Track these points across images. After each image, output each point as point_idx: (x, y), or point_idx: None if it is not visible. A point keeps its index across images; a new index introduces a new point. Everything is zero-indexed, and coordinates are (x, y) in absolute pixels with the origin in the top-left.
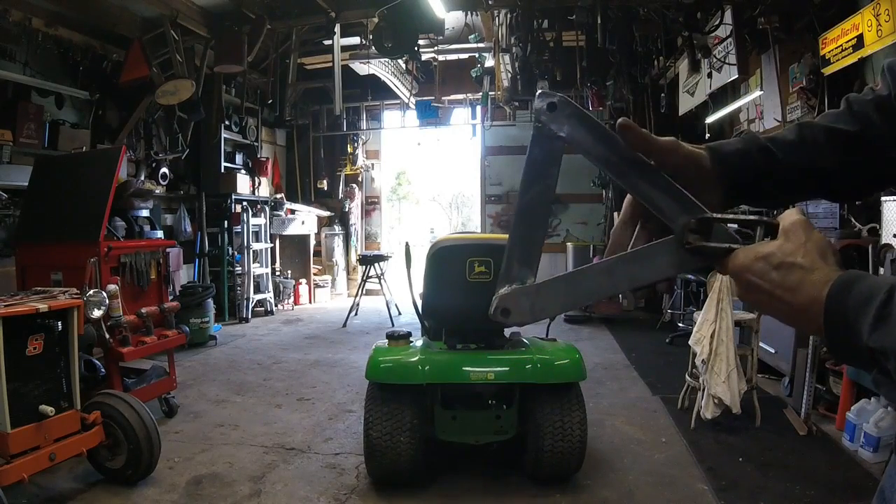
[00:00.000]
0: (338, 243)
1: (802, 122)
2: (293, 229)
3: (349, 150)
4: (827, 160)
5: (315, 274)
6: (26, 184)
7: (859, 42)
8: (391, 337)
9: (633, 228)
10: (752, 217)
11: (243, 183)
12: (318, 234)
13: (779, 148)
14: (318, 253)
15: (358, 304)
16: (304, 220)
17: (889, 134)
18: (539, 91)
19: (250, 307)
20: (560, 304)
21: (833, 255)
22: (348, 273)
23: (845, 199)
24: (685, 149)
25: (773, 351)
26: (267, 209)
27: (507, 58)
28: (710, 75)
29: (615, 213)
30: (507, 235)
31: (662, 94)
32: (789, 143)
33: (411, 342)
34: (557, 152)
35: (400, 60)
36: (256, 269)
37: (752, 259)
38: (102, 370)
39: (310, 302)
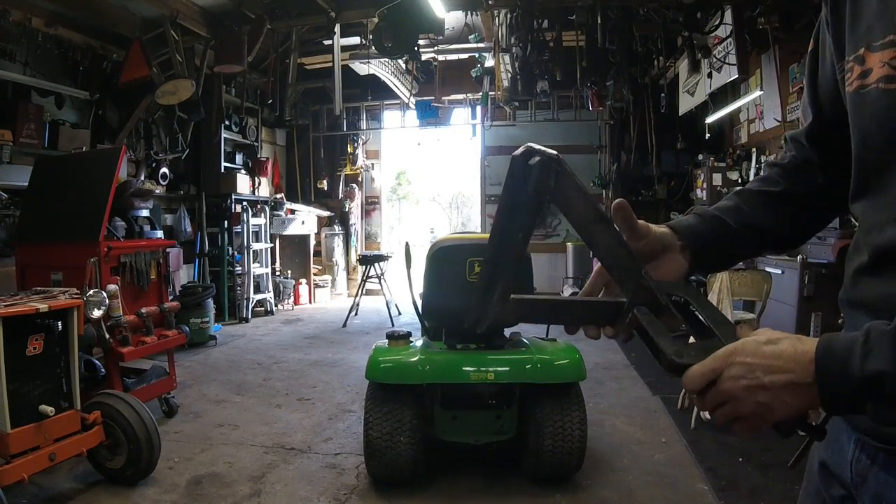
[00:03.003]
0: (338, 243)
1: (738, 190)
2: (293, 229)
3: (349, 150)
4: (763, 218)
5: (315, 274)
6: (26, 184)
7: None
8: (391, 337)
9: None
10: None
11: (243, 183)
12: (318, 234)
13: (725, 213)
14: (318, 253)
15: (358, 304)
16: (304, 220)
17: (805, 188)
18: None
19: (250, 307)
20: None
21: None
22: (348, 273)
23: (788, 247)
24: (655, 229)
25: None
26: (267, 209)
27: (507, 58)
28: (710, 75)
29: None
30: None
31: (662, 94)
32: (732, 208)
33: (411, 342)
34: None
35: (400, 60)
36: (256, 269)
37: (742, 342)
38: (102, 370)
39: (310, 302)
